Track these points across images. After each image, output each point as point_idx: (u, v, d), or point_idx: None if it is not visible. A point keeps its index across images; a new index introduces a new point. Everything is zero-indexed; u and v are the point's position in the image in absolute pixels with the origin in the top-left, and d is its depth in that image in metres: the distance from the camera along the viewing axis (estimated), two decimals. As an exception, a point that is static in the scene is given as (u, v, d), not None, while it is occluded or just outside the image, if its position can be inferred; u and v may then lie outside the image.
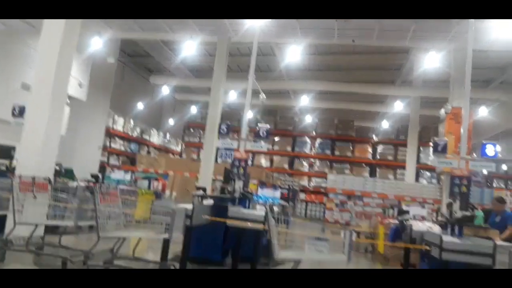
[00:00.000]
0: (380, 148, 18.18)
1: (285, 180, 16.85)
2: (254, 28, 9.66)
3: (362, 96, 18.68)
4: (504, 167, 24.93)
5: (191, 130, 20.20)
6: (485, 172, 19.04)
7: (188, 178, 12.50)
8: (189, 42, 13.15)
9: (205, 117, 15.52)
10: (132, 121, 18.53)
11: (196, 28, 12.04)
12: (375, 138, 18.73)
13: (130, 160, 17.42)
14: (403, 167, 16.90)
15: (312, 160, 18.53)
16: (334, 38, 11.54)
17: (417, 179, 16.69)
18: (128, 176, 10.64)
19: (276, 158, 18.63)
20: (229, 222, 5.13)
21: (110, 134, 16.63)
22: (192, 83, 19.43)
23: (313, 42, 12.79)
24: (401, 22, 10.52)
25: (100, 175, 10.40)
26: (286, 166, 18.39)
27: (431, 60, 12.07)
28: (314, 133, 19.02)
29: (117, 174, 10.70)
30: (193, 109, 21.38)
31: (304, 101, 18.04)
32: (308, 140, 18.84)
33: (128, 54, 17.72)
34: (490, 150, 6.20)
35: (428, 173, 17.32)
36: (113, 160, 17.02)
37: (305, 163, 18.52)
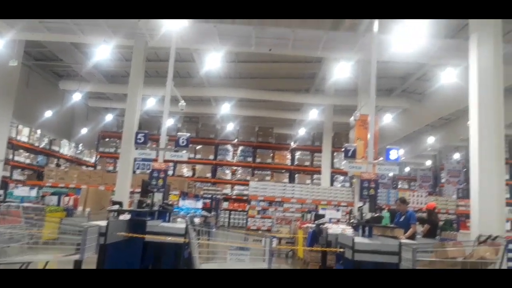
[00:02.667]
0: (298, 154, 18.93)
1: (208, 189, 16.75)
2: (171, 32, 9.47)
3: (280, 104, 19.36)
4: (407, 169, 27.59)
5: (106, 139, 19.15)
6: (391, 174, 20.87)
7: (103, 191, 11.79)
8: (102, 45, 12.47)
9: (122, 125, 14.83)
10: (39, 131, 17.02)
11: (109, 30, 11.46)
12: (293, 144, 19.46)
13: (37, 174, 15.97)
14: (319, 172, 17.78)
15: (234, 168, 18.64)
16: (252, 47, 11.79)
17: (332, 183, 17.66)
18: (34, 192, 9.71)
19: (198, 167, 18.43)
20: (148, 237, 4.92)
21: (13, 145, 15.11)
22: (106, 89, 18.46)
23: (232, 50, 12.93)
24: (314, 33, 11.12)
25: (1, 193, 9.39)
26: (209, 175, 18.28)
27: (341, 70, 12.90)
28: (236, 140, 19.18)
29: (21, 191, 9.70)
30: (109, 117, 20.31)
31: (226, 108, 18.14)
32: (230, 148, 18.95)
33: (35, 57, 16.31)
34: (393, 154, 6.73)
35: (341, 177, 18.45)
36: (17, 175, 15.50)
37: (227, 171, 18.58)
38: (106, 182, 13.25)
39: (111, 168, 17.92)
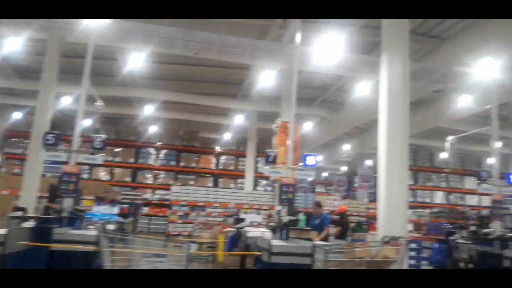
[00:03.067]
0: (223, 159, 18.98)
1: (127, 194, 16.03)
2: (90, 28, 8.96)
3: (206, 108, 19.26)
4: (325, 174, 29.07)
5: (13, 139, 17.47)
6: (310, 179, 21.81)
7: (7, 196, 10.70)
8: (12, 37, 11.34)
9: (31, 124, 13.67)
10: None
11: (21, 22, 10.47)
12: (218, 149, 19.46)
13: None
14: (243, 177, 17.99)
15: (156, 171, 18.11)
16: (177, 49, 11.57)
17: (255, 188, 17.97)
18: None
19: (117, 171, 17.59)
20: (54, 246, 4.56)
21: None
22: (15, 85, 16.83)
23: (156, 50, 12.57)
24: (240, 40, 11.26)
25: None
26: (128, 178, 17.54)
27: (266, 78, 13.20)
28: (159, 143, 18.65)
29: None
30: (16, 115, 18.54)
31: (149, 110, 17.57)
32: (152, 151, 18.38)
33: None
34: (310, 160, 7.04)
35: (264, 182, 18.87)
36: None
37: (149, 175, 17.99)
38: (11, 186, 12.00)
39: (17, 170, 16.38)
